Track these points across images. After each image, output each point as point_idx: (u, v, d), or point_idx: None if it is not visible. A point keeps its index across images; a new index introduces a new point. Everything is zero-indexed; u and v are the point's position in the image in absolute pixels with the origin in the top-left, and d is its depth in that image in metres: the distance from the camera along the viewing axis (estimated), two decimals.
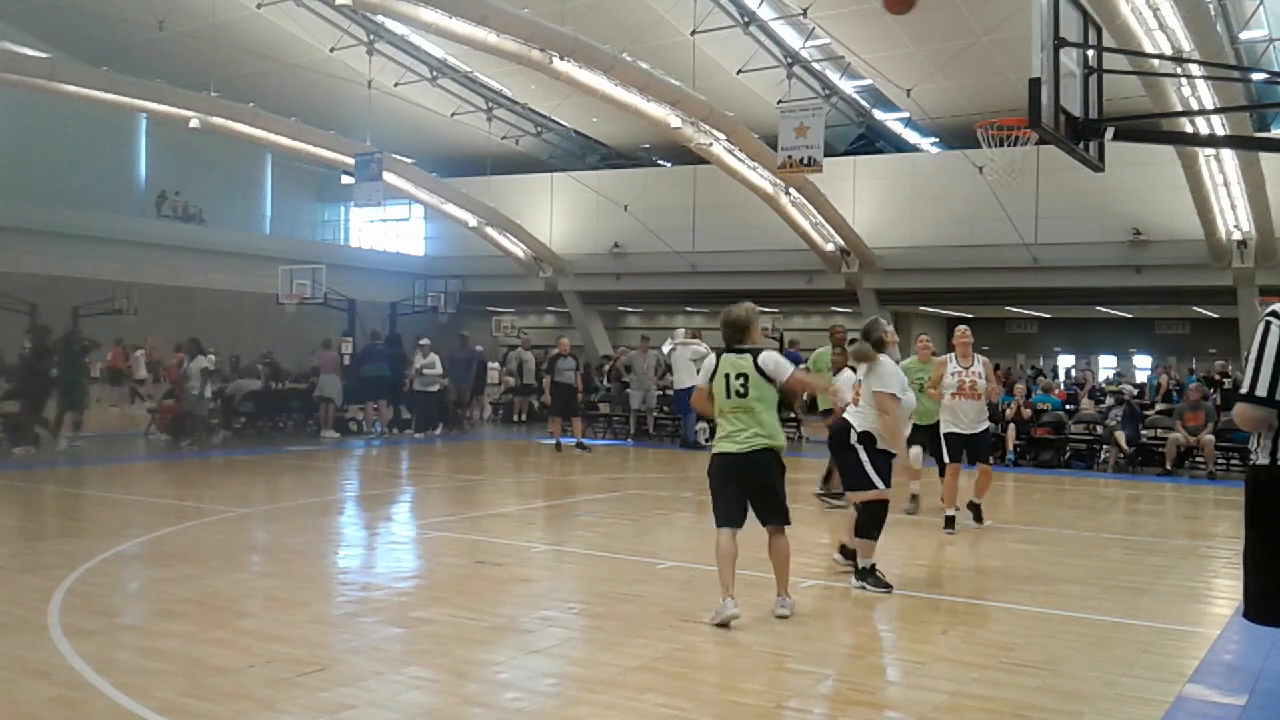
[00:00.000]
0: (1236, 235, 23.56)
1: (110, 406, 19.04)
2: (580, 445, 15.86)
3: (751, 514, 5.86)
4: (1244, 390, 3.45)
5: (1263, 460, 3.48)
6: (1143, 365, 34.33)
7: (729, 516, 5.82)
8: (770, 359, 5.87)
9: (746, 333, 5.97)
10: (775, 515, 5.86)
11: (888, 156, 31.49)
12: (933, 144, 32.30)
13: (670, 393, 17.77)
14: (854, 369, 7.24)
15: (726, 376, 5.86)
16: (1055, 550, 8.31)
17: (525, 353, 22.86)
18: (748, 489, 5.84)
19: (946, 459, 9.01)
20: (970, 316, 39.24)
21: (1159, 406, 16.50)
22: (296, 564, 7.36)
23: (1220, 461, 13.79)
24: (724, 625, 5.55)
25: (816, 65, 28.28)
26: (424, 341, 18.83)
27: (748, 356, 5.86)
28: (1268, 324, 3.42)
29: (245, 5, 26.76)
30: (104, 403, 20.33)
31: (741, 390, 5.81)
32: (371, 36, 29.25)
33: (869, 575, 6.61)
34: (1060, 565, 7.62)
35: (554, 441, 15.95)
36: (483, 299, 36.29)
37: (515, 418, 22.16)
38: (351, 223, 41.99)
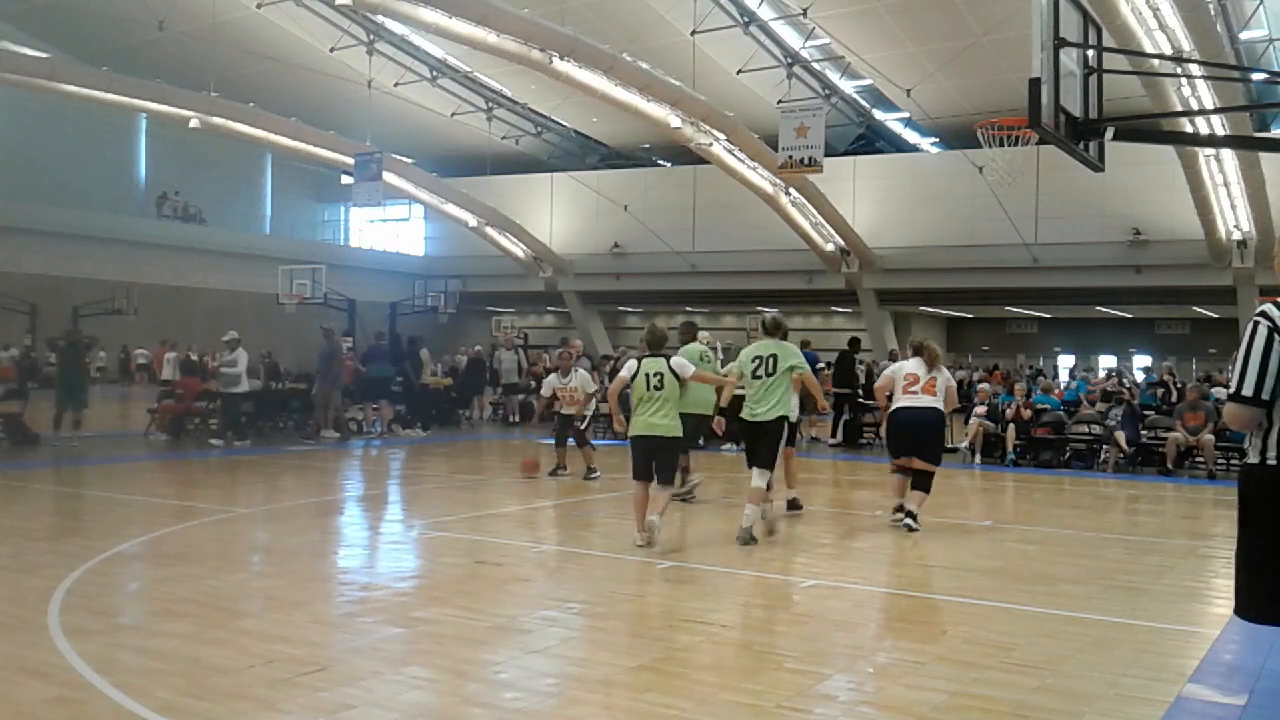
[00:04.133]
0: (1236, 235, 23.58)
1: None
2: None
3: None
4: (1231, 390, 3.49)
5: (1253, 459, 3.51)
6: (1139, 365, 34.31)
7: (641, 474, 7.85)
8: (677, 362, 7.97)
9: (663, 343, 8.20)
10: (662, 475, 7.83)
11: (888, 156, 31.53)
12: (933, 144, 32.31)
13: None
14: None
15: (646, 375, 7.80)
16: (1055, 550, 8.30)
17: (505, 352, 22.18)
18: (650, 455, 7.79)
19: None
20: (970, 316, 39.30)
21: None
22: (296, 564, 7.36)
23: (1220, 461, 13.78)
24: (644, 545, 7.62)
25: (816, 65, 28.29)
26: (228, 336, 16.14)
27: (662, 359, 7.90)
28: (1255, 324, 3.45)
29: (245, 5, 26.78)
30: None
31: (659, 385, 7.77)
32: (371, 36, 29.28)
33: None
34: (1060, 565, 7.62)
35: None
36: (483, 299, 36.32)
37: (509, 418, 21.61)
38: (351, 223, 42.01)
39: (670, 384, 7.73)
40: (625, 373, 8.04)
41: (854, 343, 18.78)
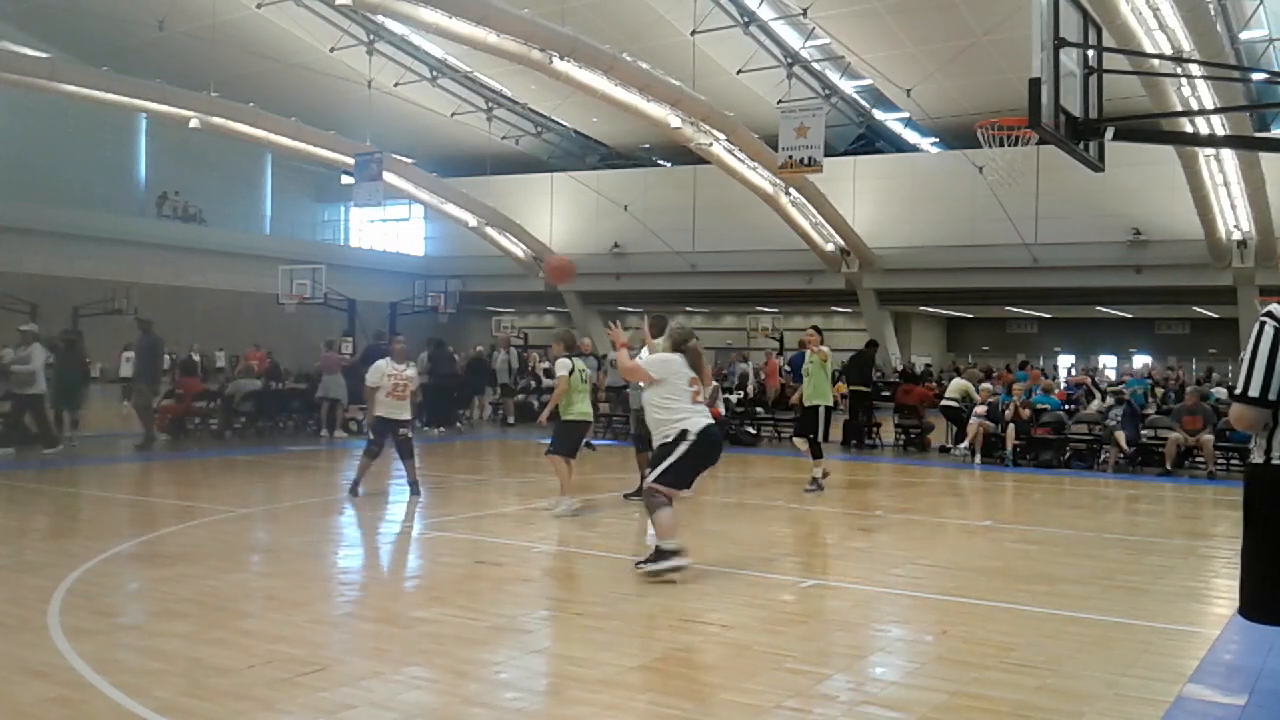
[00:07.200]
0: (1236, 235, 23.58)
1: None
2: (588, 445, 15.83)
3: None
4: (1237, 390, 3.48)
5: (1258, 459, 3.51)
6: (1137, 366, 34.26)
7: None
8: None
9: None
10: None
11: (888, 156, 31.53)
12: (933, 144, 32.32)
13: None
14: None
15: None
16: (1055, 550, 8.30)
17: (501, 352, 22.02)
18: None
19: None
20: (970, 316, 39.29)
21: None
22: (296, 564, 7.36)
23: (1220, 461, 13.78)
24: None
25: (816, 65, 28.29)
26: (25, 328, 14.55)
27: None
28: (1262, 324, 3.45)
29: (245, 5, 26.79)
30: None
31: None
32: (371, 36, 29.29)
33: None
34: (1060, 565, 7.62)
35: None
36: (483, 299, 36.33)
37: (506, 419, 21.43)
38: (351, 223, 42.01)
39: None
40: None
41: (872, 344, 19.17)
